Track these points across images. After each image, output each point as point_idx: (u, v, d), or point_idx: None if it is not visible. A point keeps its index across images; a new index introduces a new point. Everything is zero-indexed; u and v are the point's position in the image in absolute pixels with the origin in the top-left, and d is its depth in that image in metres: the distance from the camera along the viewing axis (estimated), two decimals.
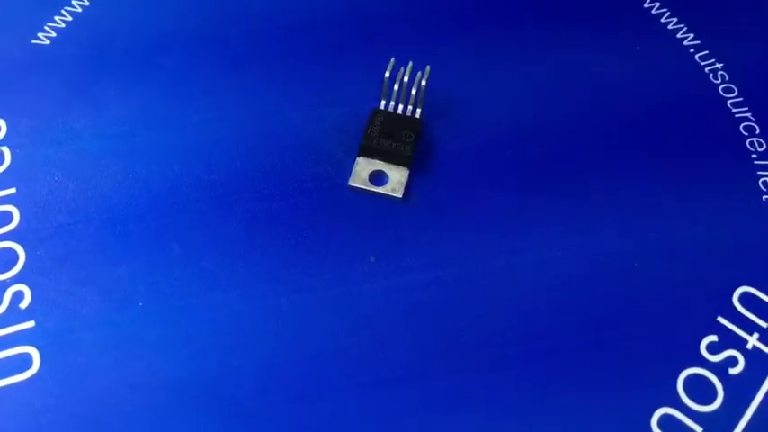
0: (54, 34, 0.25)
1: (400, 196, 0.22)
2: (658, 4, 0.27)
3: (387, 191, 0.22)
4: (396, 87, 0.23)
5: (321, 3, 0.26)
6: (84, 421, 0.18)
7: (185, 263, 0.20)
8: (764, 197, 0.22)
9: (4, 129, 0.23)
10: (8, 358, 0.19)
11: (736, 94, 0.25)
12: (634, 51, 0.25)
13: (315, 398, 0.18)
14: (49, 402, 0.18)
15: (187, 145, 0.22)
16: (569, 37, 0.26)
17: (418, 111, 0.23)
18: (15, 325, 0.19)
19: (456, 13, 0.26)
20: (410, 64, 0.23)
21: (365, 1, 0.26)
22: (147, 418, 0.18)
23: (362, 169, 0.22)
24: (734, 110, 0.24)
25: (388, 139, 0.22)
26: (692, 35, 0.26)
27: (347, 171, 0.22)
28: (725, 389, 0.19)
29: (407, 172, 0.22)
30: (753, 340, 0.20)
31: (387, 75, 0.23)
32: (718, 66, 0.25)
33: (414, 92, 0.23)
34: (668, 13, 0.27)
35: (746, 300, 0.20)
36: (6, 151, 0.22)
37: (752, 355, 0.19)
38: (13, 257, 0.20)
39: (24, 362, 0.19)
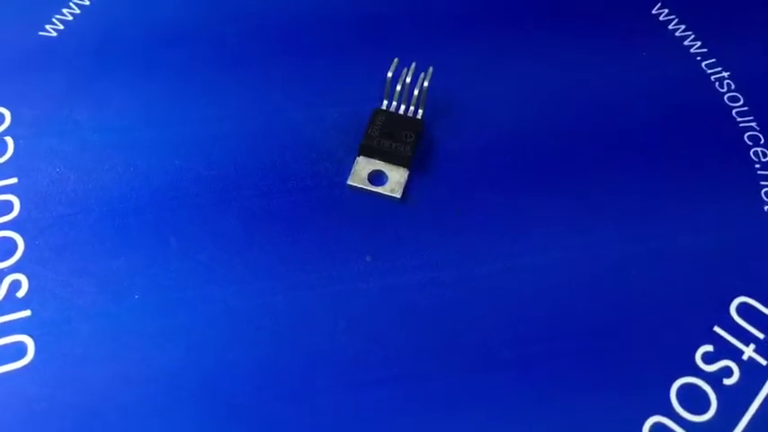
0: (61, 27, 0.25)
1: (399, 196, 0.22)
2: (666, 10, 0.27)
3: (386, 191, 0.22)
4: (398, 88, 0.23)
5: (326, 1, 0.26)
6: (77, 411, 0.18)
7: (183, 257, 0.20)
8: (766, 207, 0.22)
9: (8, 119, 0.23)
10: (3, 346, 0.19)
11: (741, 102, 0.24)
12: (640, 57, 0.25)
13: (308, 395, 0.18)
14: (42, 392, 0.18)
15: (188, 140, 0.23)
16: (574, 41, 0.25)
17: (420, 111, 0.23)
18: (11, 314, 0.19)
19: (460, 14, 0.26)
20: (413, 65, 0.23)
21: (369, 1, 0.26)
22: (141, 410, 0.18)
23: (362, 168, 0.22)
24: (739, 119, 0.24)
25: (388, 139, 0.22)
26: (699, 43, 0.26)
27: (347, 170, 0.22)
28: (718, 399, 0.19)
29: (407, 172, 0.22)
30: (749, 351, 0.20)
31: (389, 75, 0.23)
32: (725, 74, 0.25)
33: (416, 92, 0.23)
34: (676, 20, 0.27)
35: (744, 310, 0.20)
36: (9, 141, 0.22)
37: (747, 367, 0.19)
38: (13, 246, 0.20)
39: (19, 350, 0.19)
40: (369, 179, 0.22)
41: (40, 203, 0.21)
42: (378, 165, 0.22)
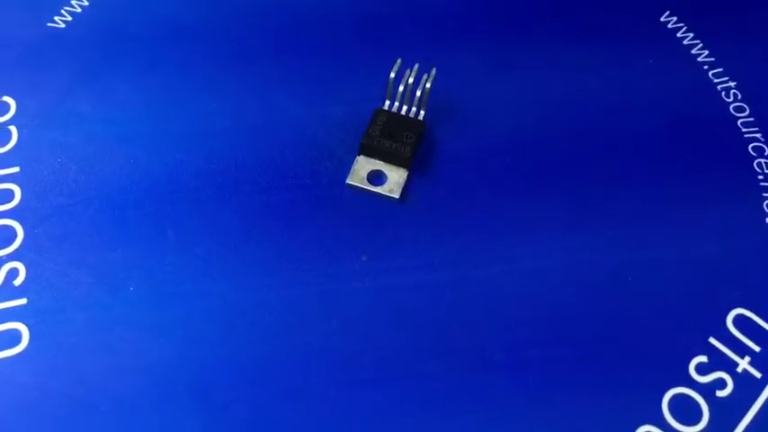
0: (69, 18, 0.25)
1: (397, 197, 0.22)
2: (675, 18, 0.27)
3: (384, 191, 0.22)
4: (400, 88, 0.23)
5: (331, 0, 0.26)
6: (69, 400, 0.18)
7: (180, 250, 0.20)
8: None
9: (13, 108, 0.23)
10: None
11: (747, 113, 0.24)
12: (646, 64, 0.25)
13: (300, 392, 0.19)
14: (34, 380, 0.18)
15: (190, 134, 0.23)
16: (579, 45, 0.25)
17: (422, 113, 0.23)
18: (7, 301, 0.19)
19: (465, 16, 0.26)
20: (416, 66, 0.23)
21: (374, 0, 0.26)
22: (132, 401, 0.18)
23: (362, 168, 0.22)
24: (744, 129, 0.24)
25: (388, 139, 0.22)
26: (707, 52, 0.26)
27: (347, 169, 0.22)
28: (711, 411, 0.19)
29: (406, 173, 0.22)
30: (744, 364, 0.19)
31: (392, 75, 0.23)
32: (732, 84, 0.25)
33: (418, 93, 0.23)
34: (685, 28, 0.26)
35: (740, 322, 0.20)
36: (13, 130, 0.22)
37: (741, 379, 0.19)
38: (12, 235, 0.21)
39: (13, 338, 0.19)
40: (368, 179, 0.22)
41: (40, 193, 0.21)
42: (377, 165, 0.22)
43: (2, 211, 0.21)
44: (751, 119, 0.24)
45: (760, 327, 0.20)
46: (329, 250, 0.21)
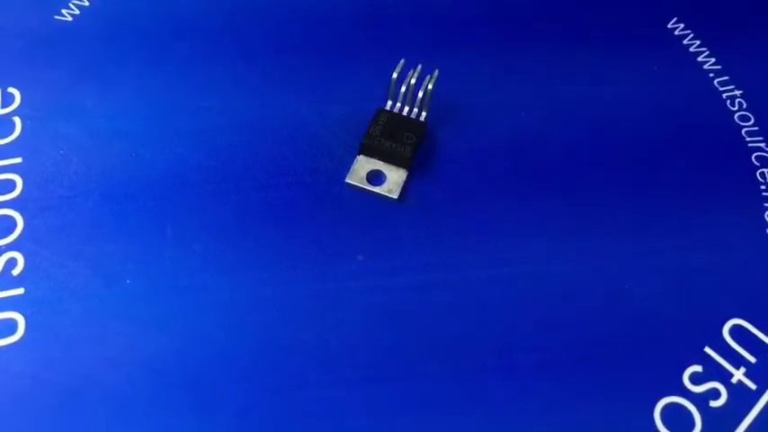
0: (77, 12, 0.25)
1: (396, 197, 0.22)
2: (682, 25, 0.26)
3: (383, 191, 0.22)
4: (402, 89, 0.23)
5: None
6: (61, 390, 0.18)
7: (177, 245, 0.21)
8: None
9: (18, 99, 0.23)
10: None
11: (752, 122, 0.24)
12: (651, 70, 0.25)
13: (292, 390, 0.19)
14: (28, 369, 0.18)
15: (192, 130, 0.23)
16: (583, 51, 0.25)
17: (423, 114, 0.23)
18: (5, 291, 0.20)
19: (471, 19, 0.26)
20: (419, 67, 0.23)
21: (380, 0, 0.26)
22: (124, 393, 0.18)
23: (361, 167, 0.22)
24: (747, 138, 0.24)
25: (389, 139, 0.22)
26: (713, 59, 0.25)
27: (346, 168, 0.22)
28: (703, 421, 0.18)
29: (406, 174, 0.22)
30: (738, 374, 0.19)
31: (394, 75, 0.23)
32: (737, 92, 0.25)
33: (420, 94, 0.23)
34: (692, 35, 0.26)
35: (737, 332, 0.20)
36: (18, 121, 0.23)
37: (735, 390, 0.19)
38: (12, 225, 0.21)
39: (9, 327, 0.19)
40: (367, 178, 0.22)
41: (41, 184, 0.21)
42: (377, 164, 0.22)
43: (3, 201, 0.21)
44: (755, 128, 0.24)
45: (757, 338, 0.20)
46: (326, 249, 0.21)
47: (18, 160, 0.22)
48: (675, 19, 0.27)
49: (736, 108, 0.24)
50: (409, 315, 0.20)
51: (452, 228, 0.21)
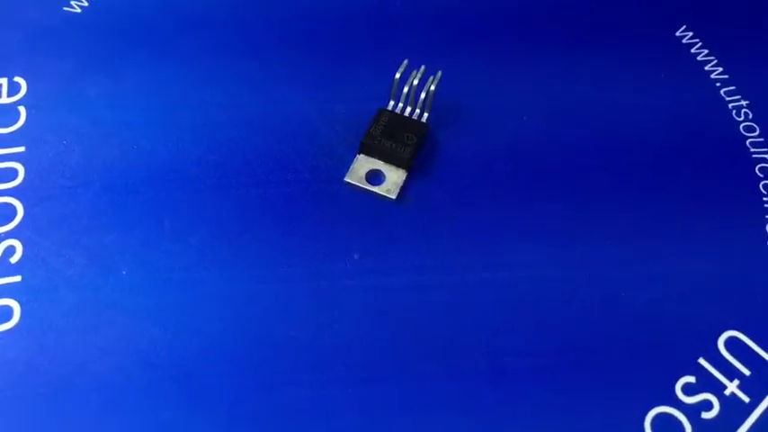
0: (86, 3, 0.26)
1: (394, 197, 0.22)
2: (691, 33, 0.26)
3: (382, 191, 0.22)
4: (405, 89, 0.23)
5: None
6: (55, 378, 0.18)
7: (174, 238, 0.21)
8: None
9: (24, 89, 0.23)
10: None
11: (757, 133, 0.24)
12: (658, 78, 0.25)
13: (283, 386, 0.19)
14: (21, 356, 0.19)
15: (193, 124, 0.23)
16: (589, 56, 0.25)
17: (425, 115, 0.23)
18: (2, 278, 0.20)
19: (476, 22, 0.26)
20: (422, 68, 0.23)
21: (386, 1, 0.26)
22: (116, 383, 0.18)
23: (361, 167, 0.22)
24: (752, 149, 0.23)
25: (389, 139, 0.22)
26: (720, 69, 0.25)
27: (346, 167, 0.22)
28: None
29: (405, 174, 0.22)
30: (732, 387, 0.19)
31: (397, 76, 0.23)
32: (744, 103, 0.24)
33: (422, 95, 0.23)
34: (700, 44, 0.26)
35: (732, 344, 0.20)
36: (22, 110, 0.23)
37: (728, 402, 0.19)
38: (12, 213, 0.21)
39: (5, 314, 0.19)
40: (366, 178, 0.22)
41: (43, 173, 0.22)
42: (377, 164, 0.22)
43: (4, 189, 0.21)
44: (761, 139, 0.24)
45: (752, 350, 0.20)
46: (322, 247, 0.21)
47: (21, 149, 0.22)
48: (684, 27, 0.26)
49: (741, 118, 0.24)
50: (404, 315, 0.20)
51: (450, 230, 0.21)
